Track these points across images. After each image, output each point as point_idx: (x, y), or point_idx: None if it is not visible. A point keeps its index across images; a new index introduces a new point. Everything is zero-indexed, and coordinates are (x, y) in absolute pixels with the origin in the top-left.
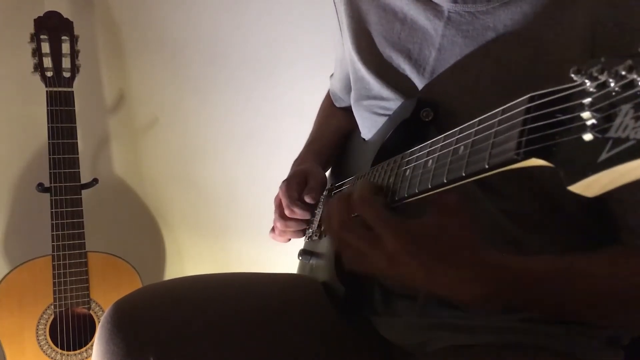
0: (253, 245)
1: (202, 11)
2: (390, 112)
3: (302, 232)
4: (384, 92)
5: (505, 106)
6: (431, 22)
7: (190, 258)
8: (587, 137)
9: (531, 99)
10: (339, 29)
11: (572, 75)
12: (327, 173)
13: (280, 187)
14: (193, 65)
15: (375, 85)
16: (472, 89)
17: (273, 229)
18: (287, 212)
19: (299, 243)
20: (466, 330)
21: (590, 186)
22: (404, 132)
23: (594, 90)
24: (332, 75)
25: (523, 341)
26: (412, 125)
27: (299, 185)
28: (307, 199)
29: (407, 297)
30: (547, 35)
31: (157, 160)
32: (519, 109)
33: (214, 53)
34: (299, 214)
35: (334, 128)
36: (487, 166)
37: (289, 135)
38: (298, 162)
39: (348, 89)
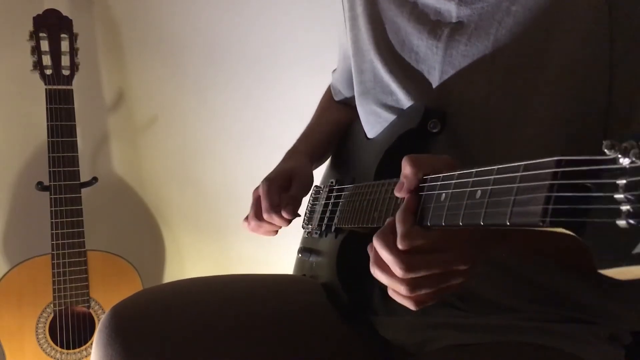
0: (253, 244)
1: (202, 10)
2: (396, 103)
3: (275, 232)
4: (393, 85)
5: (527, 162)
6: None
7: (190, 257)
8: (622, 223)
9: (558, 164)
10: (344, 22)
11: (605, 150)
12: (326, 166)
13: (262, 185)
14: (193, 63)
15: (385, 76)
16: (481, 102)
17: (246, 219)
18: (265, 217)
19: (299, 242)
20: (466, 330)
21: (623, 273)
22: (410, 140)
23: (629, 169)
24: (334, 70)
25: (523, 340)
26: (419, 134)
27: (281, 189)
28: (285, 214)
29: None
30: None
31: (156, 159)
32: (544, 171)
33: (213, 52)
34: (277, 221)
35: (332, 120)
36: (508, 223)
37: (289, 134)
38: (289, 154)
39: (349, 83)
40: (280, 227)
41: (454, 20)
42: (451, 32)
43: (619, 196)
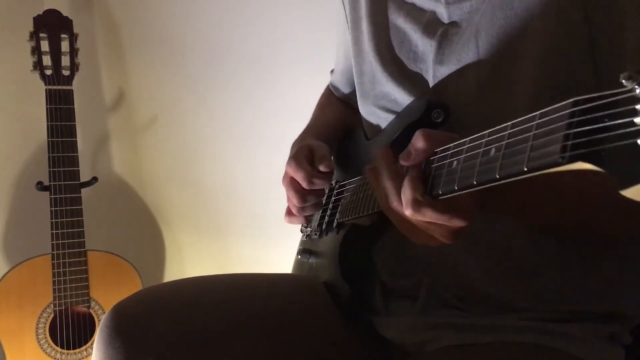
0: (253, 244)
1: (202, 9)
2: (396, 107)
3: (320, 205)
4: (391, 85)
5: (543, 110)
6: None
7: (190, 257)
8: None
9: (575, 103)
10: (345, 21)
11: (623, 81)
12: None
13: (289, 165)
14: (193, 63)
15: (383, 78)
16: (474, 95)
17: (288, 212)
18: (305, 185)
19: (299, 242)
20: (466, 330)
21: None
22: (414, 131)
23: None
24: (332, 70)
25: (523, 340)
26: (422, 125)
27: (307, 159)
28: (322, 168)
29: (407, 297)
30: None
31: (156, 159)
32: (561, 113)
33: (213, 51)
34: (320, 183)
35: (333, 114)
36: (525, 169)
37: (289, 134)
38: (297, 142)
39: (349, 82)
40: (323, 197)
41: (446, 22)
42: (444, 32)
43: (638, 119)
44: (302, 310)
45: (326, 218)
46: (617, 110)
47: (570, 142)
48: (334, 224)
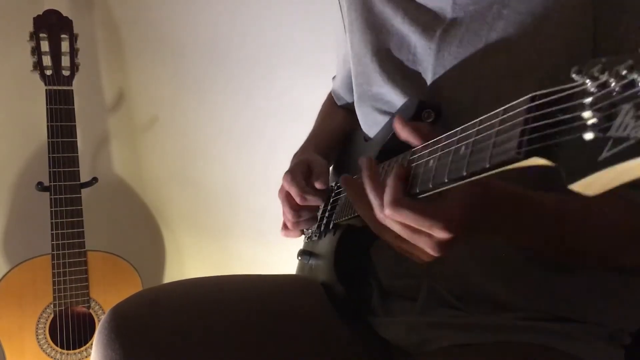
0: (253, 244)
1: (202, 10)
2: (392, 109)
3: (315, 219)
4: (387, 87)
5: (506, 106)
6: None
7: (190, 257)
8: (588, 136)
9: (532, 99)
10: (343, 26)
11: (573, 76)
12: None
13: (285, 179)
14: (193, 64)
15: (379, 80)
16: (470, 103)
17: (284, 226)
18: (298, 201)
19: (299, 242)
20: (466, 330)
21: (591, 185)
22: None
23: (595, 90)
24: (334, 77)
25: (523, 340)
26: None
27: (304, 174)
28: (318, 185)
29: (406, 298)
30: (546, 27)
31: (156, 159)
32: (520, 109)
33: (213, 52)
34: (312, 200)
35: (334, 125)
36: (488, 165)
37: (289, 134)
38: (298, 155)
39: (349, 87)
40: (319, 207)
41: (449, 17)
42: (443, 34)
43: (585, 113)
44: (302, 311)
45: (324, 220)
46: (569, 104)
47: (526, 138)
48: (331, 225)
